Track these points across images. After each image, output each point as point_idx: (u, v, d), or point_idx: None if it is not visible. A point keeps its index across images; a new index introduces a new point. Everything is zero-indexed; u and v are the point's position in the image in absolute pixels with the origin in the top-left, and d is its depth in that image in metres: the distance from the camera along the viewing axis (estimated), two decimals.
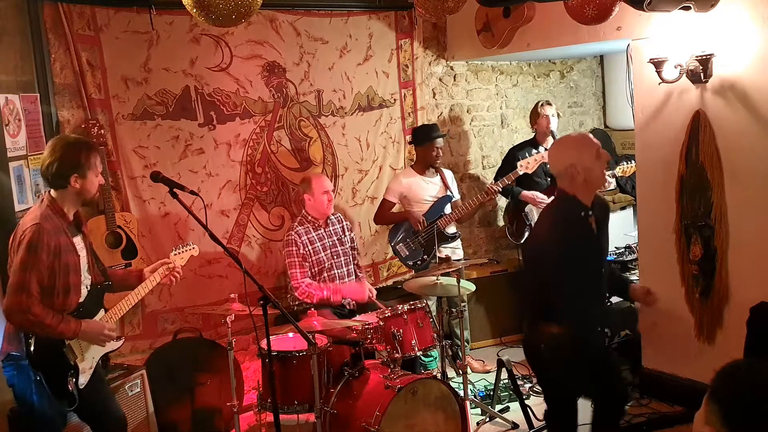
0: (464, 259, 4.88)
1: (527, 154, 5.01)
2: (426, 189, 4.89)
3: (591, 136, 3.00)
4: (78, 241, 3.02)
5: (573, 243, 2.83)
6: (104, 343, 3.09)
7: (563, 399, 3.08)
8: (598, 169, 2.89)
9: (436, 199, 4.87)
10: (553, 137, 5.08)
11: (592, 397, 3.15)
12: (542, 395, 3.28)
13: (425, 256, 4.80)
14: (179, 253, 3.45)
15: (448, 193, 4.92)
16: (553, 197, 4.97)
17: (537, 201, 5.06)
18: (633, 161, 4.55)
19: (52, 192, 2.96)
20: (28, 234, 2.81)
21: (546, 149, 5.02)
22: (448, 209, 4.89)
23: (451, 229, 4.91)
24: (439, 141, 4.89)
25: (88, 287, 3.06)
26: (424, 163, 4.93)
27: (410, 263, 4.90)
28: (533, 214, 5.12)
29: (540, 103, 5.21)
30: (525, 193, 5.10)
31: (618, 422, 3.22)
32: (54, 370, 2.89)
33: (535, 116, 5.22)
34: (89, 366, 3.04)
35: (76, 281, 2.96)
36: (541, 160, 4.80)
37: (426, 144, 4.89)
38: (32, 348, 2.84)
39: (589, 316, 2.91)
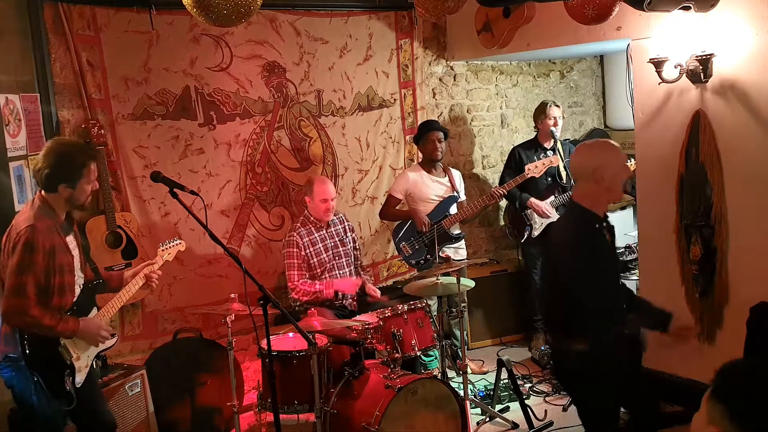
0: (465, 259, 4.87)
1: (535, 157, 5.01)
2: (431, 187, 4.88)
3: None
4: (70, 240, 3.02)
5: (591, 254, 2.77)
6: (99, 343, 3.09)
7: (604, 418, 2.93)
8: (622, 179, 2.83)
9: (441, 199, 4.87)
10: (554, 138, 5.07)
11: (629, 408, 3.04)
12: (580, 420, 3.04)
13: (428, 256, 4.79)
14: (166, 248, 3.46)
15: (455, 193, 4.91)
16: (555, 199, 5.04)
17: (543, 211, 5.04)
18: (632, 159, 4.55)
19: (43, 192, 2.95)
20: (24, 236, 2.80)
21: (553, 152, 5.03)
22: (453, 209, 4.88)
23: (456, 230, 4.90)
24: (437, 134, 4.84)
25: (81, 286, 3.07)
26: (427, 160, 4.93)
27: (413, 262, 4.90)
28: (534, 214, 5.11)
29: (548, 104, 5.12)
30: (533, 201, 5.09)
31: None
32: (51, 370, 2.90)
33: (542, 115, 5.12)
34: (85, 364, 3.05)
35: (70, 281, 2.96)
36: (549, 165, 4.79)
37: (423, 139, 4.89)
38: (27, 349, 2.84)
39: (613, 327, 2.80)
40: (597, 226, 2.82)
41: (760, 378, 1.43)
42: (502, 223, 6.02)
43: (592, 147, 2.90)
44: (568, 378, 3.00)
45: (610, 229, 2.93)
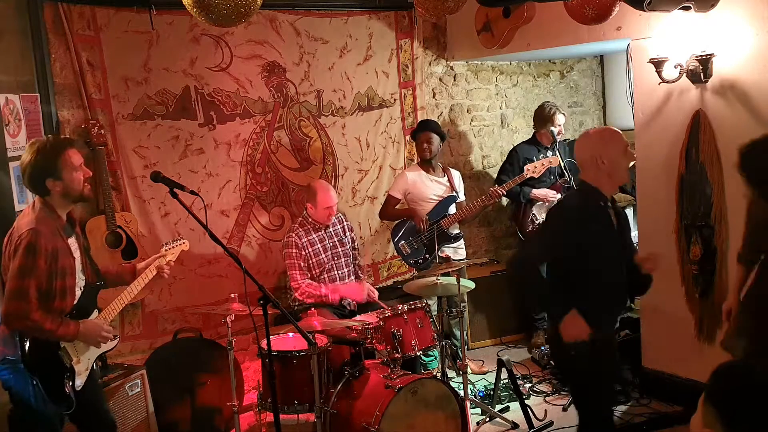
0: (464, 259, 4.87)
1: (534, 157, 5.01)
2: (431, 187, 4.88)
3: (621, 133, 2.96)
4: (72, 242, 3.00)
5: (590, 227, 2.80)
6: (101, 344, 3.08)
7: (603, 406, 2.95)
8: (622, 165, 2.88)
9: (441, 199, 4.87)
10: (553, 138, 5.07)
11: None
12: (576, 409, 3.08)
13: (427, 255, 4.79)
14: (170, 248, 3.44)
15: (454, 193, 4.91)
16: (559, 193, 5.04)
17: (549, 198, 5.04)
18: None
19: (38, 195, 2.93)
20: (26, 239, 2.78)
21: (552, 152, 5.04)
22: (452, 209, 4.88)
23: (455, 230, 4.90)
24: (426, 135, 4.81)
25: (82, 288, 3.05)
26: (422, 159, 4.93)
27: (412, 262, 4.90)
28: (541, 213, 5.10)
29: (553, 111, 5.10)
30: (535, 191, 5.08)
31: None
32: (50, 373, 2.88)
33: (548, 123, 5.09)
34: (85, 368, 3.03)
35: (71, 284, 2.95)
36: (548, 165, 4.79)
37: (416, 138, 4.91)
38: (28, 352, 2.83)
39: (605, 305, 2.84)
40: (602, 203, 2.87)
41: (750, 383, 1.43)
42: (502, 223, 6.02)
43: (591, 135, 2.99)
44: (563, 362, 3.00)
45: (620, 214, 2.94)
